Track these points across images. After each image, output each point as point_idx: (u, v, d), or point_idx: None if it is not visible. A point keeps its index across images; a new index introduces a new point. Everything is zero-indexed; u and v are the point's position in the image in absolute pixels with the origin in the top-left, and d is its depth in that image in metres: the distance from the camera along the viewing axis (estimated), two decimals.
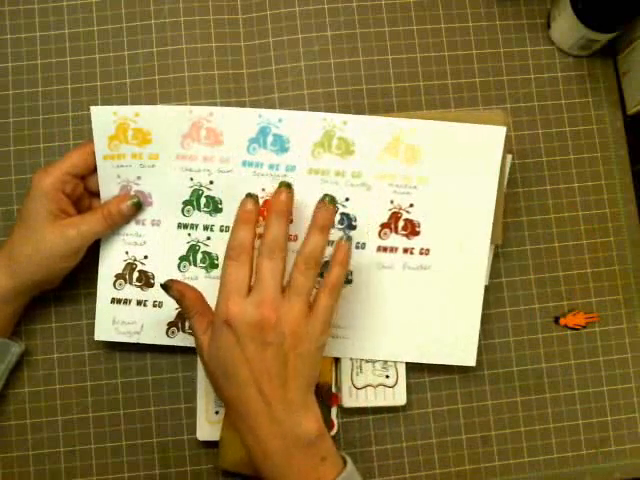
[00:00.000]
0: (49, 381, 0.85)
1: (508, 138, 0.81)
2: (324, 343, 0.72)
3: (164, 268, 0.82)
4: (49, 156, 0.87)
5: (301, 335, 0.69)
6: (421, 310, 0.81)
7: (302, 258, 0.70)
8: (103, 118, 0.80)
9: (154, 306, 0.82)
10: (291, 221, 0.79)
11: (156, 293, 0.82)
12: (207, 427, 0.82)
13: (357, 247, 0.80)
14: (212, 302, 0.78)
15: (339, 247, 0.73)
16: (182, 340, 0.82)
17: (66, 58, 0.88)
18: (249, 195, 0.73)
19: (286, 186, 0.73)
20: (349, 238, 0.74)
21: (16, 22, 0.88)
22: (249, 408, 0.68)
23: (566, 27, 0.85)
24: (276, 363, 0.68)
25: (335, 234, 0.79)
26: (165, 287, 0.74)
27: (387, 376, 0.83)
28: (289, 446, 0.68)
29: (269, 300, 0.68)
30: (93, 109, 0.80)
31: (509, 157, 0.84)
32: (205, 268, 0.81)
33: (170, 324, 0.82)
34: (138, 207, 0.80)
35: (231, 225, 0.75)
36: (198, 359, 0.82)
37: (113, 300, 0.82)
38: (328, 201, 0.73)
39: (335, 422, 0.83)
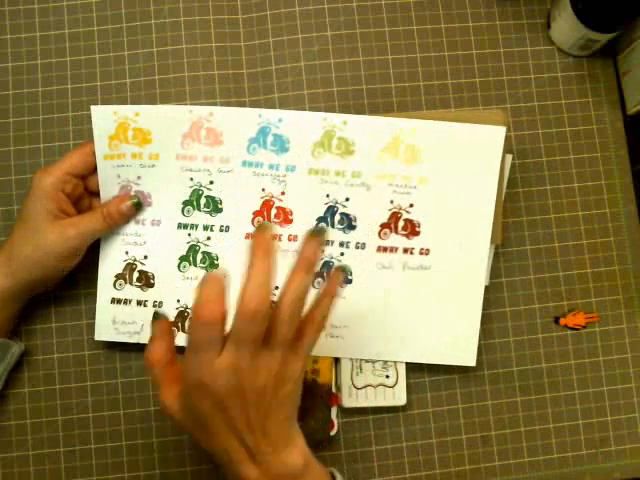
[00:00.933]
0: (49, 381, 0.85)
1: (508, 138, 0.81)
2: (299, 377, 0.65)
3: (164, 268, 0.82)
4: (49, 156, 0.87)
5: (283, 379, 0.63)
6: (421, 310, 0.81)
7: (286, 305, 0.60)
8: (103, 117, 0.80)
9: (154, 306, 0.82)
10: (291, 222, 0.79)
11: (156, 293, 0.82)
12: None
13: (357, 247, 0.81)
14: None
15: (334, 277, 0.66)
16: (182, 340, 0.81)
17: (66, 58, 0.88)
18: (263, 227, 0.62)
19: (322, 234, 0.62)
20: (343, 269, 0.68)
21: (16, 22, 0.88)
22: (233, 457, 0.64)
23: (566, 27, 0.85)
24: (258, 416, 0.62)
25: (335, 233, 0.79)
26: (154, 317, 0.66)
27: (387, 376, 0.83)
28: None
29: (249, 358, 0.60)
30: (93, 108, 0.80)
31: (509, 157, 0.84)
32: (205, 268, 0.81)
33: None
34: (138, 207, 0.80)
35: (231, 225, 0.76)
36: None
37: (113, 300, 0.82)
38: (318, 234, 0.62)
39: (335, 422, 0.83)
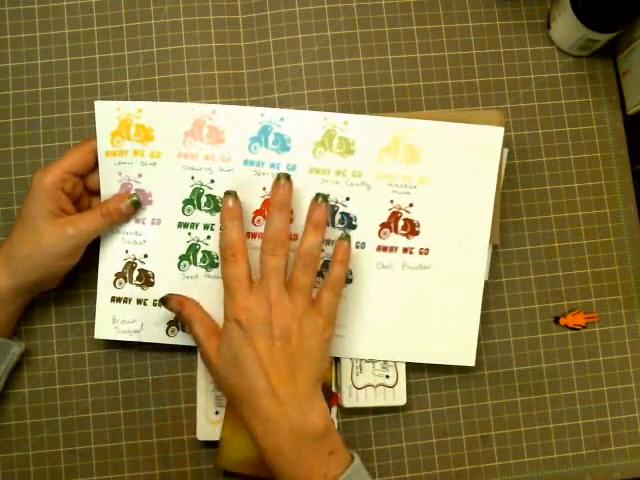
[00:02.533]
0: (49, 381, 0.85)
1: (507, 137, 0.82)
2: (329, 338, 0.74)
3: (164, 267, 0.82)
4: (49, 156, 0.87)
5: (306, 330, 0.71)
6: (420, 310, 0.81)
7: (300, 257, 0.73)
8: (106, 113, 0.80)
9: (154, 305, 0.81)
10: (291, 220, 0.79)
11: (156, 292, 0.81)
12: (207, 427, 0.82)
13: (357, 247, 0.80)
14: (213, 301, 0.79)
15: (339, 246, 0.76)
16: (182, 339, 0.82)
17: (66, 58, 0.88)
18: (227, 193, 0.75)
19: (285, 178, 0.75)
20: (348, 237, 0.76)
21: (16, 22, 0.88)
22: (259, 402, 0.69)
23: (566, 27, 0.85)
24: (284, 357, 0.70)
25: (335, 233, 0.79)
26: (164, 301, 0.77)
27: (387, 376, 0.83)
28: (298, 440, 0.69)
29: (274, 297, 0.71)
30: (97, 103, 0.80)
31: (505, 150, 0.84)
32: (205, 267, 0.81)
33: (170, 323, 0.81)
34: (137, 206, 0.80)
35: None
36: (198, 359, 0.82)
37: (113, 299, 0.82)
38: (321, 200, 0.75)
39: (335, 422, 0.83)
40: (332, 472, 0.69)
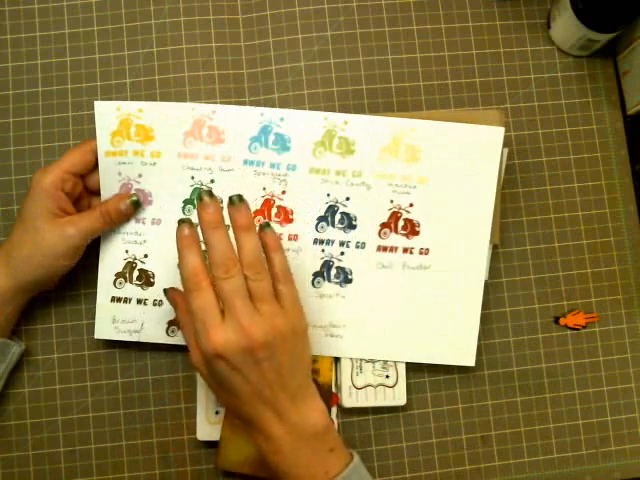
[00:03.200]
0: (49, 381, 0.85)
1: (507, 137, 0.81)
2: (305, 329, 0.72)
3: (164, 267, 0.82)
4: (49, 156, 0.87)
5: (286, 333, 0.69)
6: (420, 310, 0.81)
7: (247, 267, 0.68)
8: (106, 113, 0.80)
9: (154, 305, 0.82)
10: (291, 221, 0.79)
11: (156, 292, 0.82)
12: (207, 427, 0.82)
13: (357, 246, 0.81)
14: None
15: (264, 237, 0.71)
16: (182, 339, 0.82)
17: (66, 58, 0.88)
18: (181, 221, 0.70)
19: (207, 196, 0.69)
20: (267, 224, 0.72)
21: (16, 22, 0.88)
22: (255, 415, 0.69)
23: (566, 27, 0.85)
24: (273, 372, 0.68)
25: (335, 233, 0.79)
26: (164, 292, 0.77)
27: (387, 376, 0.83)
28: (298, 440, 0.69)
29: (245, 320, 0.67)
30: (97, 104, 0.80)
31: (505, 151, 0.84)
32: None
33: (170, 323, 0.82)
34: (137, 206, 0.80)
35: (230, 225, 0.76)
36: None
37: (113, 299, 0.82)
38: (237, 201, 0.69)
39: (335, 422, 0.83)
40: (333, 470, 0.69)
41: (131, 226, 0.81)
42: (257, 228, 0.70)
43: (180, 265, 0.69)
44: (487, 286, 0.85)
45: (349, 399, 0.82)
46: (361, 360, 0.83)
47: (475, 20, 0.90)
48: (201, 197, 0.69)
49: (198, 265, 0.68)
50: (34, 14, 0.89)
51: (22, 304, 0.81)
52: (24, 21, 0.88)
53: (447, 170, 0.80)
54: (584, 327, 0.87)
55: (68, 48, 0.88)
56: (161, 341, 0.82)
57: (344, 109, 0.88)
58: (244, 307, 0.67)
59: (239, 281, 0.68)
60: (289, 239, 0.80)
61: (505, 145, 0.81)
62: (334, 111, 0.87)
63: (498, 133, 0.80)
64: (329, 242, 0.80)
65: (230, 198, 0.70)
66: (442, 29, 0.90)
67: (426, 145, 0.80)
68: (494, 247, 0.86)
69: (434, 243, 0.81)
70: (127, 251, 0.82)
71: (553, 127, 0.89)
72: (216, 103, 0.87)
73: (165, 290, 0.77)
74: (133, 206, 0.80)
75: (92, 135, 0.80)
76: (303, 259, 0.81)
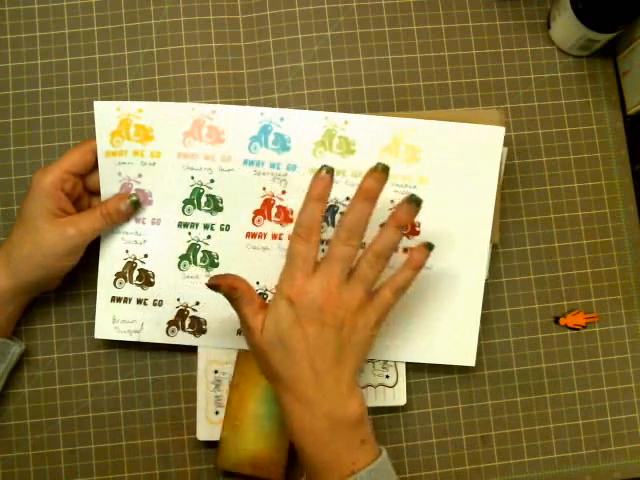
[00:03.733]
0: (49, 381, 0.85)
1: (507, 137, 0.81)
2: (376, 334, 0.72)
3: (164, 267, 0.82)
4: (49, 156, 0.87)
5: (358, 322, 0.70)
6: (421, 310, 0.81)
7: (374, 251, 0.71)
8: (106, 113, 0.80)
9: (154, 305, 0.82)
10: (291, 220, 0.80)
11: (156, 292, 0.82)
12: (207, 427, 0.82)
13: None
14: (213, 300, 0.79)
15: (418, 250, 0.73)
16: (182, 339, 0.82)
17: (66, 58, 0.88)
18: (324, 167, 0.71)
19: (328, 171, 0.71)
20: (430, 246, 0.73)
21: (16, 22, 0.89)
22: (300, 383, 0.69)
23: (566, 27, 0.85)
24: (332, 344, 0.69)
25: (329, 231, 0.80)
26: (213, 287, 0.71)
27: (387, 376, 0.83)
28: (333, 425, 0.69)
29: (334, 285, 0.69)
30: (96, 104, 0.80)
31: (505, 150, 0.84)
32: (205, 267, 0.81)
33: (170, 323, 0.82)
34: (137, 206, 0.80)
35: (232, 224, 0.76)
36: (198, 359, 0.82)
37: (113, 299, 0.82)
38: (411, 201, 0.71)
39: None
40: (360, 462, 0.69)
41: (131, 226, 0.81)
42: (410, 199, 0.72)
43: (301, 211, 0.71)
44: (487, 286, 0.85)
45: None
46: None
47: (475, 20, 0.90)
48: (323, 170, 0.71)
49: (317, 220, 0.70)
50: (34, 14, 0.89)
51: (23, 304, 0.81)
52: (24, 21, 0.88)
53: (447, 170, 0.80)
54: (584, 327, 0.87)
55: (68, 48, 0.88)
56: (161, 341, 0.82)
57: (344, 109, 0.88)
58: (339, 275, 0.69)
59: (352, 253, 0.70)
60: (289, 239, 0.80)
61: (505, 145, 0.81)
62: (334, 111, 0.87)
63: (498, 133, 0.80)
64: (329, 242, 0.80)
65: (323, 166, 0.71)
66: (442, 29, 0.90)
67: (426, 145, 0.80)
68: (494, 247, 0.85)
69: (435, 243, 0.80)
70: (127, 251, 0.82)
71: (553, 127, 0.89)
72: (216, 103, 0.87)
73: (212, 285, 0.71)
74: (133, 206, 0.80)
75: (92, 135, 0.80)
76: None
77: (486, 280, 0.83)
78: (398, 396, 0.83)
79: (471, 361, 0.82)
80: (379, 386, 0.83)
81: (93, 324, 0.83)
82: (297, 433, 0.70)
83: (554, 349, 0.87)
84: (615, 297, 0.88)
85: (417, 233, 0.81)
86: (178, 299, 0.82)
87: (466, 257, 0.81)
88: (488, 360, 0.86)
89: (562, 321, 0.86)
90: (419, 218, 0.80)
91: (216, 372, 0.82)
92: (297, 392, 0.69)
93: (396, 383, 0.83)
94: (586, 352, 0.87)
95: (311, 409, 0.69)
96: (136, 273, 0.82)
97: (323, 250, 0.80)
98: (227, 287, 0.71)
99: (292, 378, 0.69)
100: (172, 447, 0.84)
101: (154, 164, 0.80)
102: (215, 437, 0.81)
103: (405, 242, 0.80)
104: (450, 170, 0.80)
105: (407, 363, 0.83)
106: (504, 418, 0.86)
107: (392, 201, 0.80)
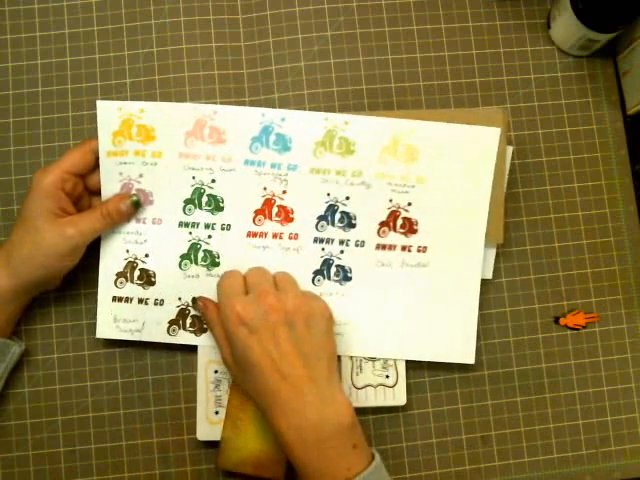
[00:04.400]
0: (49, 381, 0.85)
1: (508, 137, 0.81)
2: (332, 316, 0.75)
3: (165, 266, 0.82)
4: (49, 156, 0.87)
5: (305, 310, 0.72)
6: (419, 307, 0.82)
7: (276, 275, 0.78)
8: (108, 113, 0.80)
9: (155, 304, 0.82)
10: (292, 220, 0.80)
11: (157, 291, 0.82)
12: (207, 427, 0.82)
13: (356, 245, 0.81)
14: (216, 299, 0.79)
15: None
16: (183, 338, 0.82)
17: (66, 58, 0.88)
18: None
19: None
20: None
21: (16, 22, 0.88)
22: (278, 397, 0.70)
23: (566, 27, 0.85)
24: (291, 343, 0.71)
25: (335, 232, 0.80)
26: (193, 301, 0.82)
27: (387, 376, 0.83)
28: (322, 432, 0.69)
29: (266, 290, 0.74)
30: (99, 103, 0.80)
31: (510, 149, 0.84)
32: (206, 266, 0.81)
33: (171, 322, 0.82)
34: (137, 206, 0.80)
35: (232, 223, 0.79)
36: (198, 359, 0.82)
37: (114, 298, 0.82)
38: None
39: None
40: (355, 467, 0.69)
41: (132, 226, 0.81)
42: None
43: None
44: (487, 286, 0.85)
45: (349, 399, 0.82)
46: (361, 360, 0.83)
47: (475, 20, 0.90)
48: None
49: (235, 270, 0.78)
50: (34, 14, 0.89)
51: (23, 304, 0.81)
52: (24, 21, 0.88)
53: (444, 170, 0.81)
54: (584, 327, 0.87)
55: (68, 48, 0.88)
56: (162, 340, 0.82)
57: (344, 109, 0.88)
58: (266, 283, 0.75)
59: (268, 274, 0.77)
60: (289, 238, 0.80)
61: (509, 144, 0.81)
62: (334, 111, 0.87)
63: (495, 134, 0.80)
64: (329, 241, 0.80)
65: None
66: (442, 29, 0.90)
67: (424, 145, 0.80)
68: (497, 247, 0.85)
69: (432, 241, 0.81)
70: (128, 251, 0.82)
71: (553, 127, 0.89)
72: (216, 103, 0.87)
73: (194, 299, 0.81)
74: (133, 206, 0.80)
75: (92, 135, 0.80)
76: (303, 258, 0.81)
77: (488, 280, 0.84)
78: (398, 396, 0.83)
79: (470, 358, 0.82)
80: (379, 386, 0.83)
81: (93, 324, 0.83)
82: (289, 446, 0.70)
83: (554, 349, 0.87)
84: (615, 297, 0.88)
85: (415, 231, 0.81)
86: (179, 298, 0.82)
87: (462, 255, 0.81)
88: (488, 360, 0.86)
89: (562, 321, 0.86)
90: (417, 217, 0.81)
91: (216, 372, 0.82)
92: (280, 405, 0.70)
93: (396, 383, 0.83)
94: (586, 352, 0.87)
95: (296, 419, 0.69)
96: (137, 273, 0.82)
97: (323, 249, 0.80)
98: (201, 303, 0.80)
99: (271, 396, 0.70)
100: (172, 447, 0.84)
101: (155, 164, 0.80)
102: (215, 437, 0.81)
103: (403, 240, 0.81)
104: (447, 170, 0.81)
105: (407, 363, 0.83)
106: (504, 418, 0.86)
107: (390, 200, 0.80)
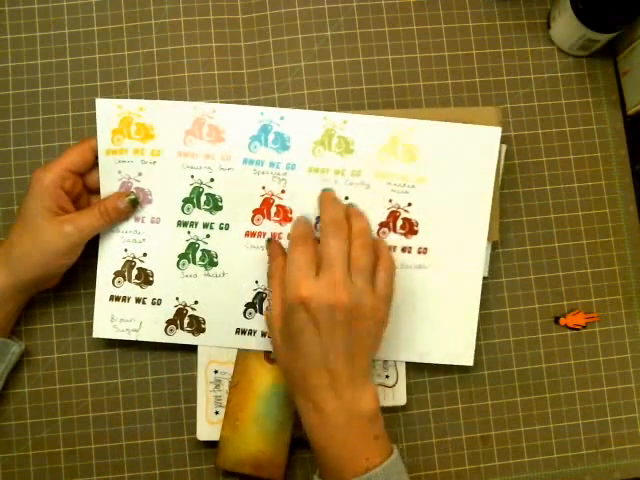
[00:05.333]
0: (49, 381, 0.85)
1: (508, 137, 0.82)
2: (383, 318, 0.74)
3: (163, 266, 0.82)
4: (49, 156, 0.87)
5: (366, 312, 0.71)
6: (419, 309, 0.82)
7: (356, 234, 0.74)
8: (107, 111, 0.80)
9: (153, 304, 0.82)
10: (290, 220, 0.80)
11: (155, 291, 0.82)
12: (207, 427, 0.82)
13: None
14: (213, 300, 0.80)
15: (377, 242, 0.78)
16: (181, 338, 0.82)
17: (66, 58, 0.88)
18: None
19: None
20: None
21: (16, 22, 0.89)
22: (314, 382, 0.70)
23: (566, 27, 0.85)
24: (345, 341, 0.70)
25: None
26: (268, 241, 0.81)
27: (387, 376, 0.83)
28: (348, 420, 0.69)
29: (340, 281, 0.70)
30: (98, 101, 0.80)
31: (503, 147, 0.84)
32: (204, 266, 0.81)
33: (169, 322, 0.82)
34: (135, 204, 0.80)
35: (231, 223, 0.78)
36: (198, 359, 0.82)
37: (112, 297, 0.82)
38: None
39: None
40: (374, 458, 0.69)
41: (130, 225, 0.81)
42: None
43: (294, 226, 0.78)
44: (487, 286, 0.85)
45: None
46: None
47: (475, 20, 0.90)
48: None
49: (311, 226, 0.77)
50: (34, 14, 0.89)
51: (21, 303, 0.81)
52: (24, 21, 0.89)
53: (445, 170, 0.80)
54: (584, 327, 0.87)
55: (68, 48, 0.88)
56: (159, 340, 0.82)
57: (344, 109, 0.88)
58: (341, 270, 0.71)
59: (345, 245, 0.72)
60: (288, 238, 0.80)
61: (503, 142, 0.81)
62: (334, 111, 0.87)
63: (495, 133, 0.80)
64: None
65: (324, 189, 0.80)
66: (442, 29, 0.90)
67: (424, 145, 0.80)
68: (494, 244, 0.85)
69: (432, 243, 0.81)
70: (126, 250, 0.82)
71: (553, 127, 0.89)
72: (216, 103, 0.87)
73: (268, 240, 0.81)
74: (131, 204, 0.80)
75: (92, 135, 0.80)
76: None
77: (486, 279, 0.84)
78: (398, 396, 0.83)
79: (469, 361, 0.82)
80: (379, 386, 0.83)
81: (93, 324, 0.83)
82: (312, 430, 0.71)
83: (554, 349, 0.87)
84: (615, 297, 0.88)
85: (415, 232, 0.81)
86: (177, 298, 0.82)
87: (464, 257, 0.81)
88: (488, 360, 0.86)
89: (562, 321, 0.86)
90: (417, 217, 0.80)
91: (216, 372, 0.82)
92: (311, 392, 0.70)
93: (396, 383, 0.83)
94: (586, 352, 0.87)
95: (328, 408, 0.69)
96: (135, 272, 0.82)
97: None
98: (272, 248, 0.79)
99: (306, 378, 0.70)
100: (172, 447, 0.84)
101: (154, 163, 0.80)
102: (215, 437, 0.81)
103: (404, 242, 0.81)
104: (448, 170, 0.80)
105: (407, 363, 0.83)
106: (504, 418, 0.86)
107: (390, 200, 0.80)
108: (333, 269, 0.70)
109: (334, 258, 0.71)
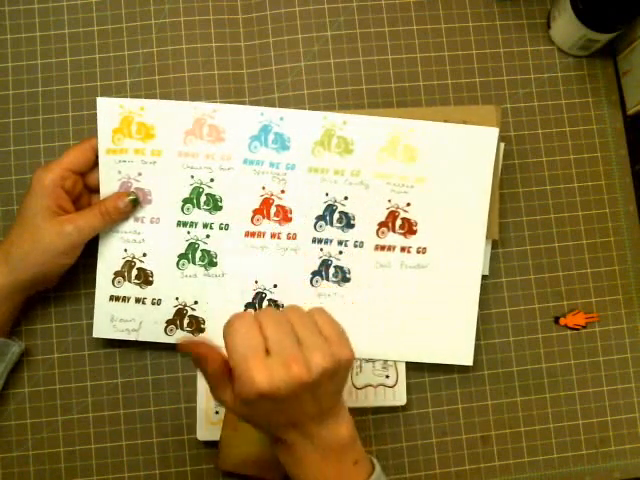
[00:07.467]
0: (49, 381, 0.85)
1: (508, 137, 0.81)
2: (351, 353, 0.65)
3: (163, 266, 0.82)
4: (49, 156, 0.87)
5: (332, 371, 0.62)
6: (418, 309, 0.82)
7: (289, 309, 0.66)
8: (108, 110, 0.80)
9: (152, 304, 0.82)
10: (290, 220, 0.80)
11: (155, 291, 0.82)
12: (207, 427, 0.82)
13: (355, 246, 0.81)
14: (212, 300, 0.80)
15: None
16: (180, 338, 0.82)
17: (66, 58, 0.88)
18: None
19: None
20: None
21: (16, 22, 0.89)
22: (281, 432, 0.66)
23: (566, 27, 0.85)
24: (312, 406, 0.63)
25: (333, 232, 0.80)
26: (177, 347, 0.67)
27: (387, 376, 0.83)
28: (325, 456, 0.66)
29: (294, 356, 0.61)
30: (99, 100, 0.80)
31: (502, 145, 0.85)
32: (204, 266, 0.81)
33: (168, 322, 0.82)
34: (135, 204, 0.80)
35: (231, 223, 0.78)
36: None
37: (111, 297, 0.82)
38: None
39: None
40: None
41: (130, 225, 0.81)
42: None
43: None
44: (487, 286, 0.85)
45: (349, 399, 0.82)
46: (361, 360, 0.83)
47: (475, 20, 0.90)
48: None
49: (246, 314, 0.64)
50: (34, 14, 0.89)
51: (20, 303, 0.81)
52: (24, 21, 0.89)
53: (443, 170, 0.81)
54: (584, 327, 0.87)
55: (68, 48, 0.88)
56: (159, 340, 0.82)
57: (344, 109, 0.88)
58: (294, 350, 0.61)
59: (287, 328, 0.63)
60: (288, 238, 0.80)
61: (502, 142, 0.81)
62: (334, 111, 0.87)
63: (493, 133, 0.80)
64: (327, 241, 0.80)
65: None
66: (442, 29, 0.90)
67: (423, 145, 0.80)
68: (493, 243, 0.85)
69: (431, 242, 0.81)
70: (126, 250, 0.82)
71: (553, 127, 0.89)
72: (216, 103, 0.87)
73: (179, 345, 0.65)
74: (132, 204, 0.80)
75: (92, 135, 0.80)
76: (302, 258, 0.81)
77: (486, 279, 0.84)
78: (398, 396, 0.83)
79: (469, 360, 0.82)
80: (379, 386, 0.83)
81: (93, 324, 0.83)
82: (288, 466, 0.68)
83: (554, 349, 0.87)
84: (615, 297, 0.88)
85: (414, 232, 0.81)
86: (177, 298, 0.82)
87: (462, 256, 0.81)
88: (488, 360, 0.86)
89: (562, 321, 0.86)
90: (416, 217, 0.80)
91: None
92: (281, 433, 0.65)
93: (396, 383, 0.83)
94: (586, 352, 0.87)
95: (301, 451, 0.66)
96: (135, 272, 0.82)
97: (322, 249, 0.80)
98: (186, 348, 0.64)
99: (271, 428, 0.66)
100: (172, 447, 0.84)
101: (154, 163, 0.80)
102: (215, 437, 0.81)
103: (403, 241, 0.81)
104: (446, 170, 0.81)
105: (407, 363, 0.83)
106: (504, 418, 0.86)
107: (390, 200, 0.80)
108: (282, 347, 0.61)
109: (280, 335, 0.62)
